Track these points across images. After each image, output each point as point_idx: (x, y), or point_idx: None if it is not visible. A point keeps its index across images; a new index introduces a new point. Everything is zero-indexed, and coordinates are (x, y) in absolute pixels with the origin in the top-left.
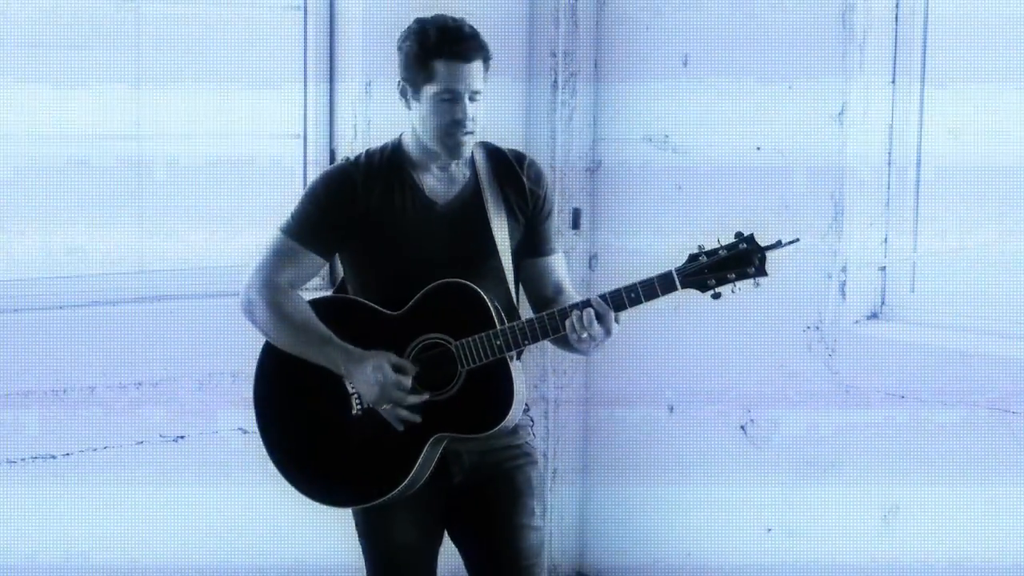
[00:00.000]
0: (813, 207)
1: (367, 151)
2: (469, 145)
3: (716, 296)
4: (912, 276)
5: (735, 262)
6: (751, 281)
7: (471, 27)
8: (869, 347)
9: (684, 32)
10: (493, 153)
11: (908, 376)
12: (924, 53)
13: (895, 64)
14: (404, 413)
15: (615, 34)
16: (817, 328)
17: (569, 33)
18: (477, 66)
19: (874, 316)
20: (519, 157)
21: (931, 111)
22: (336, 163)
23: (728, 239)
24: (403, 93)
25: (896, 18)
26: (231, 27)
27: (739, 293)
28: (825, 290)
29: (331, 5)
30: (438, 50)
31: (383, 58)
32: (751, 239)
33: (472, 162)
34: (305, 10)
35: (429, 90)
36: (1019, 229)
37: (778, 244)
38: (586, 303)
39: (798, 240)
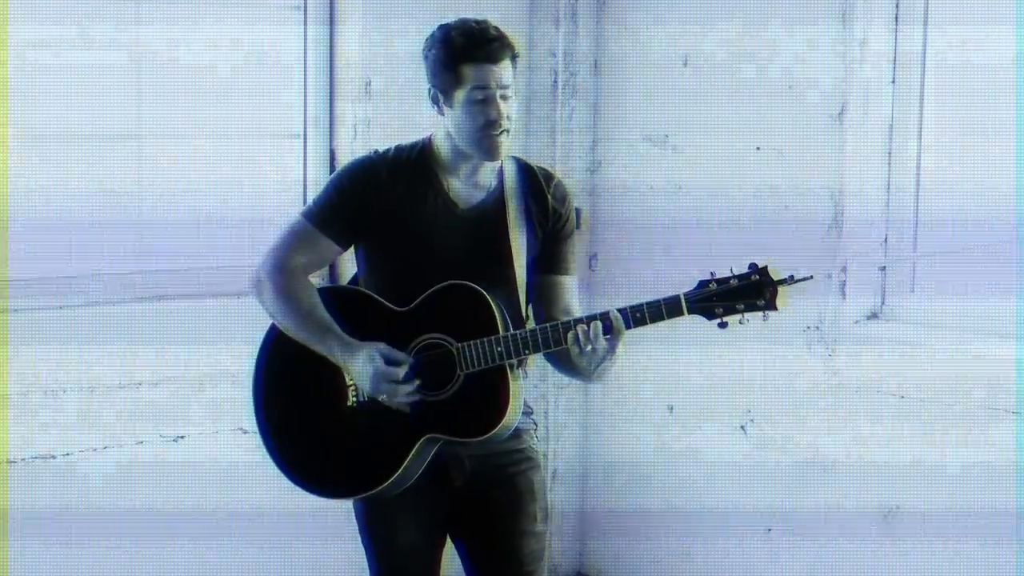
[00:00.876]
0: (813, 207)
1: (396, 146)
2: (506, 145)
3: (723, 326)
4: (912, 276)
5: (745, 293)
6: (760, 313)
7: (495, 28)
8: (869, 347)
9: (684, 32)
10: (522, 167)
11: (908, 376)
12: (924, 53)
13: (895, 64)
14: (401, 401)
15: (615, 34)
16: (817, 328)
17: (569, 33)
18: (505, 65)
19: (874, 316)
20: (547, 175)
21: (931, 111)
22: (364, 154)
23: (741, 268)
24: (435, 100)
25: (896, 18)
26: (231, 27)
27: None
28: (825, 290)
29: (331, 5)
30: (465, 55)
31: (383, 58)
32: (764, 271)
33: (500, 172)
34: (305, 10)
35: (460, 95)
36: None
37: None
38: (593, 317)
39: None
